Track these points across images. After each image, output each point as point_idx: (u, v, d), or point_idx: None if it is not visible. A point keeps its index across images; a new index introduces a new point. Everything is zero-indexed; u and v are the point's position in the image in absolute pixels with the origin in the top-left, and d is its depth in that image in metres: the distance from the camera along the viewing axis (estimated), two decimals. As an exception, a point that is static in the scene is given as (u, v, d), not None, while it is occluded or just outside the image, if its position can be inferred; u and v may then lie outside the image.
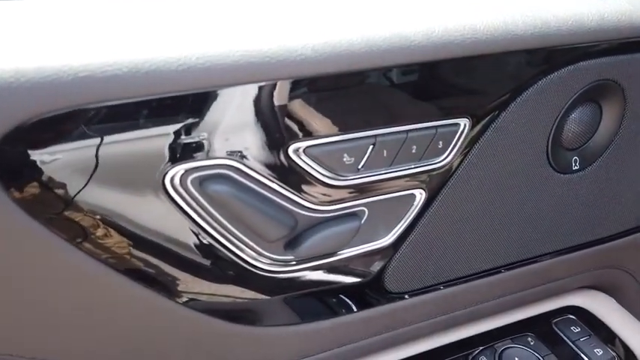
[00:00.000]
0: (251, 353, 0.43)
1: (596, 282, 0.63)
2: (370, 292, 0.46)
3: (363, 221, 0.41)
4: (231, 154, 0.34)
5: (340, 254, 0.41)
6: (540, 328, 0.57)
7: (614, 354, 0.55)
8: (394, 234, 0.43)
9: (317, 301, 0.44)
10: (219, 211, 0.35)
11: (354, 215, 0.40)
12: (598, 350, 0.55)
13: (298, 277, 0.41)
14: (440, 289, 0.49)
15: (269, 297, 0.41)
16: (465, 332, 0.55)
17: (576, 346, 0.55)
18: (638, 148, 0.51)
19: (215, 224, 0.36)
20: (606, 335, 0.57)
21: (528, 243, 0.52)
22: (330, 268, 0.42)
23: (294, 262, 0.40)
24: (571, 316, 0.59)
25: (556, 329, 0.57)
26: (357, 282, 0.44)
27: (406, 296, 0.48)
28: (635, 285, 0.65)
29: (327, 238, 0.39)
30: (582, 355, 0.54)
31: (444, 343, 0.53)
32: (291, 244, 0.39)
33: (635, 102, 0.48)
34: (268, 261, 0.39)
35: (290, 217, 0.37)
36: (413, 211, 0.42)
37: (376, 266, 0.44)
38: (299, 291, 0.42)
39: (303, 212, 0.38)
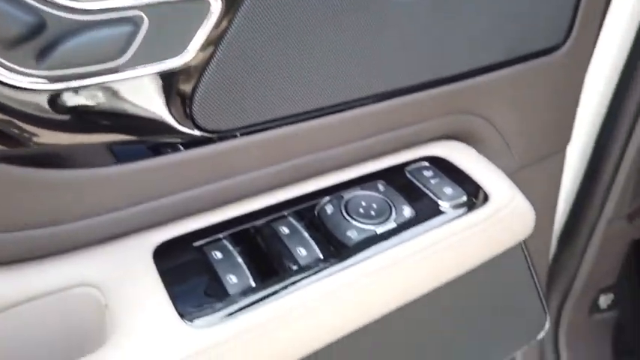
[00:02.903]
0: (37, 204, 0.38)
1: (455, 131, 0.62)
2: (179, 127, 0.41)
3: (142, 31, 0.35)
4: None
5: (120, 72, 0.36)
6: (392, 175, 0.55)
7: (463, 191, 0.54)
8: (189, 52, 0.38)
9: (114, 138, 0.39)
10: None
11: (127, 20, 0.35)
12: (447, 189, 0.54)
13: (75, 104, 0.36)
14: (270, 128, 0.45)
15: (39, 129, 0.35)
16: (310, 186, 0.52)
17: (426, 188, 0.54)
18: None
19: None
20: (459, 177, 0.56)
21: (369, 79, 0.49)
22: (114, 93, 0.37)
23: (56, 77, 0.34)
24: (425, 163, 0.57)
25: (408, 175, 0.55)
26: (156, 114, 0.39)
27: (229, 136, 0.44)
28: (494, 134, 0.64)
29: (89, 44, 0.33)
30: (431, 195, 0.53)
31: (285, 199, 0.50)
32: (44, 52, 0.33)
33: None
34: (13, 75, 0.33)
35: (29, 11, 0.31)
36: (208, 22, 0.38)
37: (177, 95, 0.39)
38: (81, 124, 0.37)
39: (53, 11, 0.32)
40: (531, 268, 0.73)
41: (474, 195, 0.54)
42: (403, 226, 0.49)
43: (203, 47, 0.38)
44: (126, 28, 0.35)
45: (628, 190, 0.96)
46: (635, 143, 0.90)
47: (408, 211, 0.51)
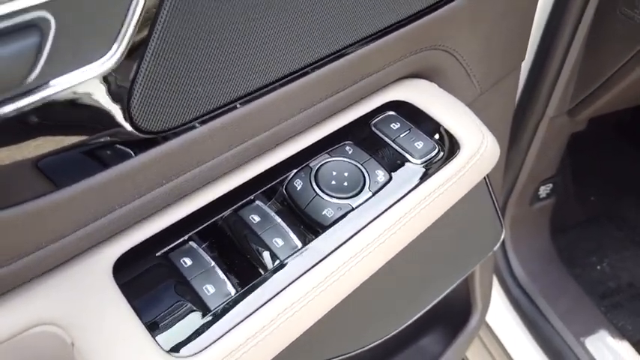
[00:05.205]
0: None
1: (416, 69, 0.57)
2: (122, 136, 0.34)
3: (50, 37, 0.27)
4: None
5: (45, 88, 0.29)
6: (359, 133, 0.51)
7: (434, 144, 0.50)
8: (114, 51, 0.30)
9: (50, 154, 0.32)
10: None
11: (29, 27, 0.27)
12: (419, 143, 0.50)
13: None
14: (225, 113, 0.39)
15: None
16: (274, 158, 0.47)
17: (396, 144, 0.50)
18: None
19: None
20: (428, 125, 0.52)
21: (324, 38, 0.43)
22: (49, 104, 0.29)
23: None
24: (391, 113, 0.53)
25: (375, 131, 0.51)
26: (94, 122, 0.32)
27: (179, 131, 0.37)
28: (456, 65, 0.60)
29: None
30: (402, 152, 0.49)
31: (250, 177, 0.45)
32: None
33: None
34: None
35: None
36: (136, 10, 0.30)
37: (113, 100, 0.32)
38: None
39: None
40: (490, 190, 0.73)
41: (445, 145, 0.51)
42: (379, 195, 0.46)
43: (131, 43, 0.31)
44: (29, 39, 0.27)
45: (569, 89, 0.97)
46: (578, 43, 0.88)
47: (381, 176, 0.47)
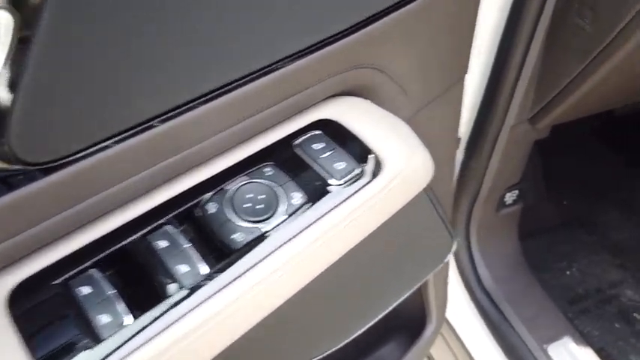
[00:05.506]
0: None
1: (349, 87, 0.57)
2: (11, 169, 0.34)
3: None
4: None
5: None
6: (281, 154, 0.50)
7: (356, 164, 0.50)
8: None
9: None
10: None
11: None
12: (340, 164, 0.50)
13: None
14: (134, 135, 0.39)
15: None
16: (191, 180, 0.47)
17: (317, 165, 0.50)
18: None
19: None
20: (353, 145, 0.52)
21: (254, 49, 0.43)
22: None
23: None
24: (317, 132, 0.53)
25: (297, 151, 0.51)
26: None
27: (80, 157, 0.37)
28: (389, 83, 0.60)
29: None
30: (322, 173, 0.49)
31: (164, 200, 0.45)
32: None
33: None
34: None
35: None
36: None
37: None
38: None
39: None
40: (434, 203, 0.73)
41: (368, 165, 0.50)
42: (294, 218, 0.46)
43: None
44: None
45: (529, 97, 0.97)
46: (534, 53, 0.88)
47: (298, 199, 0.47)
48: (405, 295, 0.79)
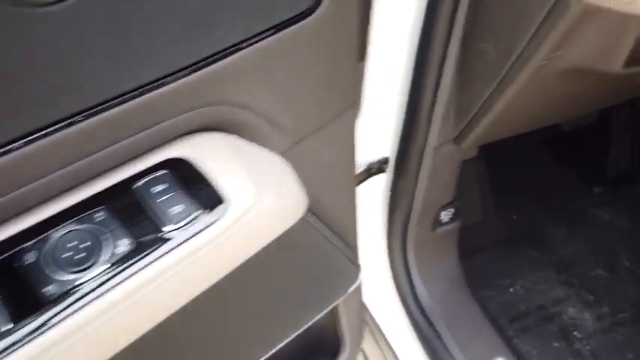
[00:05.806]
0: None
1: (208, 123, 0.56)
2: None
3: None
4: None
5: None
6: (118, 197, 0.49)
7: (197, 207, 0.49)
8: None
9: None
10: None
11: None
12: (178, 207, 0.48)
13: None
14: None
15: None
16: (16, 227, 0.46)
17: (154, 209, 0.48)
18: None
19: None
20: (199, 186, 0.51)
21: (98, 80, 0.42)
22: None
23: None
24: (161, 173, 0.51)
25: (135, 194, 0.49)
26: None
27: None
28: (255, 118, 0.58)
29: None
30: (157, 218, 0.48)
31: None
32: None
33: None
34: None
35: None
36: None
37: None
38: None
39: None
40: (323, 231, 0.72)
41: (207, 208, 0.49)
42: (117, 267, 0.45)
43: None
44: None
45: (449, 118, 0.95)
46: (447, 77, 0.87)
47: (125, 246, 0.46)
48: (305, 327, 0.78)
